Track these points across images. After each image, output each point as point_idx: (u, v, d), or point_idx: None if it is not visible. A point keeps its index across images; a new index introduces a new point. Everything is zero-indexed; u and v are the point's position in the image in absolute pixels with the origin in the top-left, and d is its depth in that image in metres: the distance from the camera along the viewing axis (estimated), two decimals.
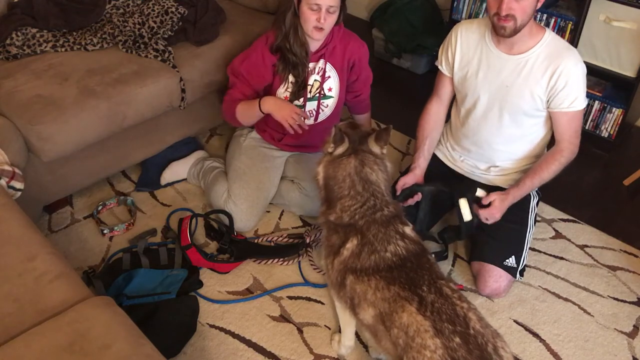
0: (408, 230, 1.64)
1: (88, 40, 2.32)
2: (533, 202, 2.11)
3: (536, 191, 2.13)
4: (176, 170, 2.51)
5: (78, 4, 2.43)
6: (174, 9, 2.46)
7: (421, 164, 2.14)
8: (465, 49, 2.01)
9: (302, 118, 2.12)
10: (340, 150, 1.67)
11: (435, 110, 2.19)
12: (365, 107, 2.52)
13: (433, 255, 1.67)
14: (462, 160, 2.19)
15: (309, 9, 1.98)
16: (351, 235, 1.60)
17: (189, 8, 2.50)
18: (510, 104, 1.96)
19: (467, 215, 1.99)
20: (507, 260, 2.01)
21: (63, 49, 2.30)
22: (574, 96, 1.87)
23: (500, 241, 2.01)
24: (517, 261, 2.03)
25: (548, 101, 1.91)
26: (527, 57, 1.89)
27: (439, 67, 2.13)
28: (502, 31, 1.83)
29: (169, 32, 2.41)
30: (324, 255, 1.71)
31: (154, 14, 2.44)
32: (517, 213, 2.04)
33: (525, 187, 1.97)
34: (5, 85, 2.09)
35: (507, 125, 2.01)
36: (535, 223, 2.16)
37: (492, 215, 1.96)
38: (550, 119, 1.98)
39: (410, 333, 1.40)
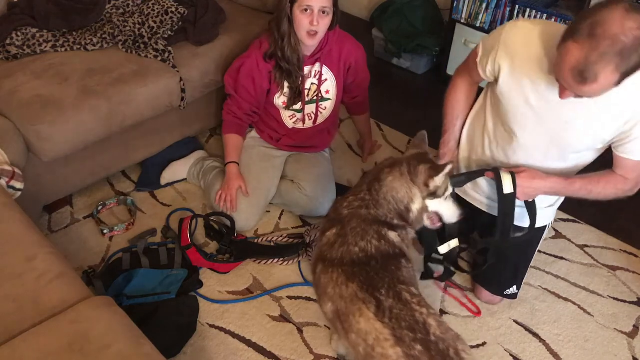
0: (393, 235, 1.57)
1: (88, 40, 2.32)
2: (546, 231, 1.99)
3: (553, 220, 1.98)
4: (176, 170, 2.51)
5: (78, 4, 2.43)
6: (174, 9, 2.46)
7: (453, 147, 1.92)
8: (519, 65, 1.61)
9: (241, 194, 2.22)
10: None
11: (466, 89, 1.91)
12: (364, 109, 2.52)
13: (412, 265, 1.57)
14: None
15: (301, 12, 1.97)
16: (335, 224, 1.59)
17: (189, 8, 2.50)
18: (564, 141, 1.66)
19: (507, 187, 1.67)
20: (508, 290, 2.00)
21: (63, 49, 2.30)
22: None
23: (505, 266, 1.93)
24: (518, 288, 2.02)
25: (613, 144, 1.63)
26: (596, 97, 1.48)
27: (479, 64, 1.73)
28: None
29: (169, 32, 2.41)
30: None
31: (154, 14, 2.44)
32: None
33: (574, 187, 1.69)
34: (5, 85, 2.09)
35: (552, 159, 1.74)
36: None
37: (530, 186, 1.68)
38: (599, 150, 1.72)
39: (369, 342, 1.36)
